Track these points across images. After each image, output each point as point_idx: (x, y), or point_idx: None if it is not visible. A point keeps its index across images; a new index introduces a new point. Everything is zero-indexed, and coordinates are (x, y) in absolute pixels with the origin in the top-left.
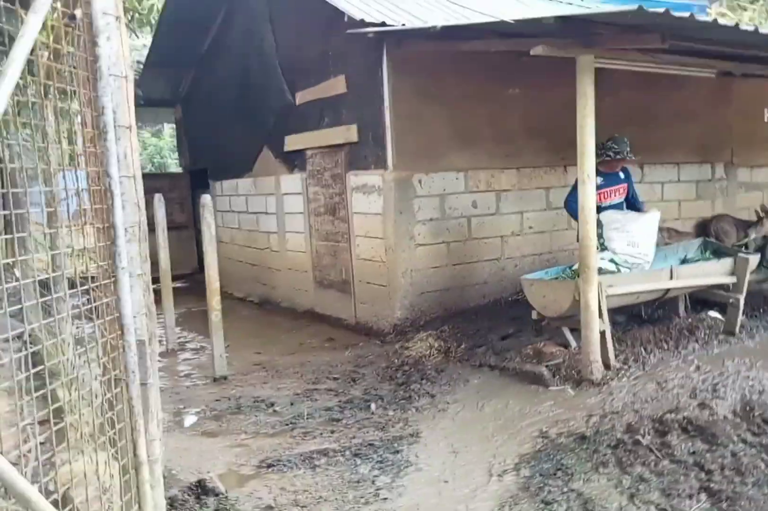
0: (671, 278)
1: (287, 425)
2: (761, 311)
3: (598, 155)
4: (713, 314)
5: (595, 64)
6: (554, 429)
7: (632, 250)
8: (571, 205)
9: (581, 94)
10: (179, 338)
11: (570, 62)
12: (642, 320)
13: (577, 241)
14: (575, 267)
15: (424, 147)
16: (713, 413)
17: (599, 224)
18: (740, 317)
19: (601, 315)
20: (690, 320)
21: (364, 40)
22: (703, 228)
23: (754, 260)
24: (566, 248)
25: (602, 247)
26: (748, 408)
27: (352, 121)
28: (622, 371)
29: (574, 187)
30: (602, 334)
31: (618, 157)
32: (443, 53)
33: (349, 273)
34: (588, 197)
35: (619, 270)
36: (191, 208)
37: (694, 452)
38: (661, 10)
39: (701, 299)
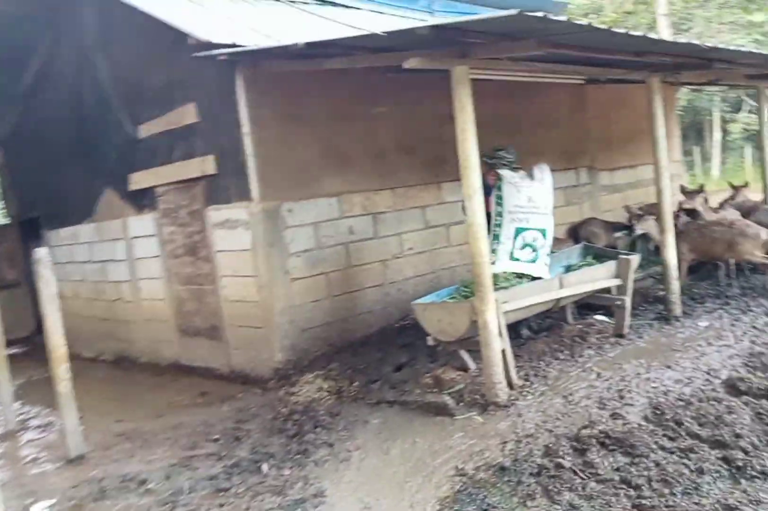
0: (561, 286)
1: (165, 504)
2: (643, 309)
3: (491, 165)
4: (600, 317)
5: (470, 75)
6: (470, 464)
7: (530, 204)
8: None
9: (459, 107)
10: (20, 415)
11: (436, 76)
12: (533, 331)
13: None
14: (466, 286)
15: (293, 173)
16: (626, 422)
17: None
18: (628, 319)
19: (500, 333)
20: (579, 326)
21: (214, 63)
22: (574, 233)
23: (635, 260)
24: (447, 267)
25: (495, 237)
26: (658, 412)
27: (208, 151)
28: (526, 389)
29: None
30: (502, 353)
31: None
32: (306, 73)
33: (218, 317)
34: (476, 213)
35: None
36: (23, 263)
37: (618, 468)
38: (540, 14)
39: (585, 304)
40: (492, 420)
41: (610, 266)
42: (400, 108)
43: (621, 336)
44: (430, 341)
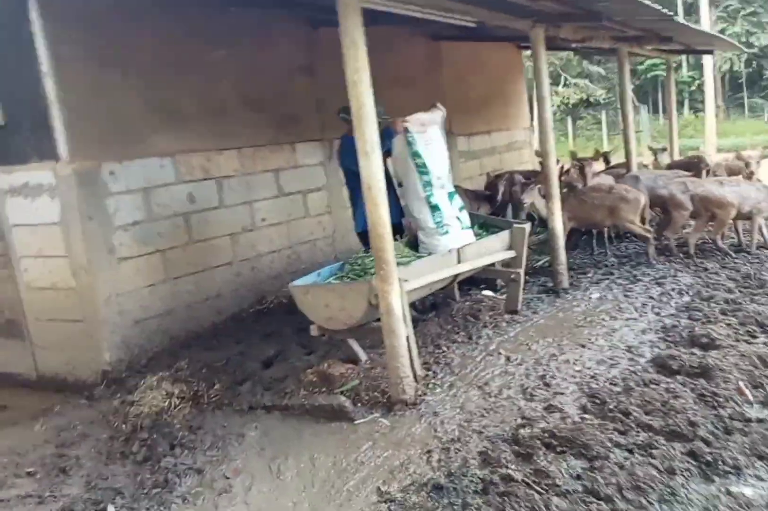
0: (459, 260)
1: None
2: (526, 281)
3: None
4: (488, 292)
5: (361, 4)
6: (394, 484)
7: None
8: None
9: (349, 43)
10: None
11: (287, 17)
12: (419, 311)
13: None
14: (356, 262)
15: (114, 127)
16: (565, 415)
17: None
18: (521, 294)
19: (404, 318)
20: (468, 303)
21: None
22: None
23: (528, 229)
24: (307, 240)
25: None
26: (597, 401)
27: None
28: (431, 381)
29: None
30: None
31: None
32: (128, 3)
33: (17, 310)
34: (373, 173)
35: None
36: None
37: (578, 476)
38: None
39: (466, 279)
40: (403, 423)
41: (504, 236)
42: (244, 55)
43: (515, 312)
44: (313, 331)
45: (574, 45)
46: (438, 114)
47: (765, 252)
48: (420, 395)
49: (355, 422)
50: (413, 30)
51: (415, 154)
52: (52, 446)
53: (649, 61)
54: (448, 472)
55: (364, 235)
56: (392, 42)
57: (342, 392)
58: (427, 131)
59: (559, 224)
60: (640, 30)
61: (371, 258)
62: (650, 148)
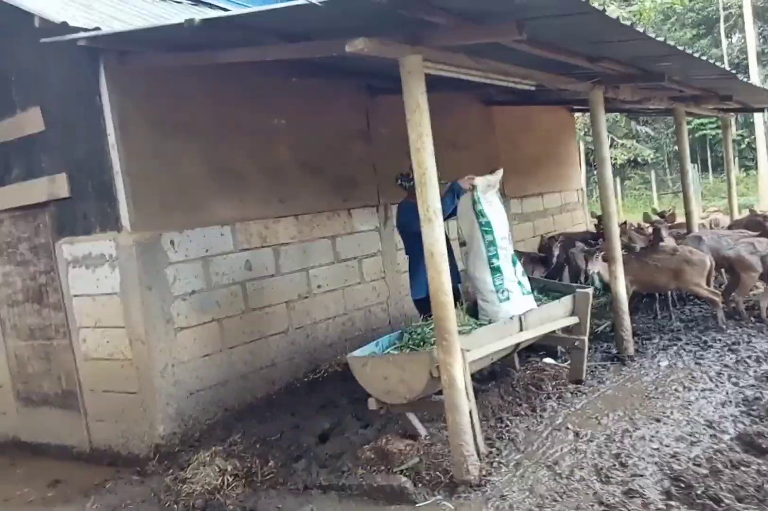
0: (521, 328)
1: None
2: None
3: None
4: (549, 360)
5: (425, 69)
6: None
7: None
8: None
9: (413, 106)
10: None
11: (346, 84)
12: (478, 381)
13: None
14: (415, 331)
15: (174, 196)
16: (647, 500)
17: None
18: (586, 362)
19: (467, 391)
20: (528, 371)
21: (70, 53)
22: None
23: (591, 294)
24: (361, 306)
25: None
26: (682, 485)
27: (59, 168)
28: (497, 458)
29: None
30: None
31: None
32: (189, 70)
33: (74, 380)
34: (437, 239)
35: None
36: None
37: None
38: None
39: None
40: (468, 507)
41: (567, 301)
42: (303, 120)
43: (579, 382)
44: (372, 405)
45: (628, 106)
46: (498, 177)
47: None
48: (485, 476)
49: (417, 505)
50: (467, 95)
51: (480, 213)
52: None
53: (696, 121)
54: None
55: (421, 303)
56: (447, 107)
57: (402, 471)
58: (488, 192)
59: (622, 288)
60: (699, 89)
61: (431, 327)
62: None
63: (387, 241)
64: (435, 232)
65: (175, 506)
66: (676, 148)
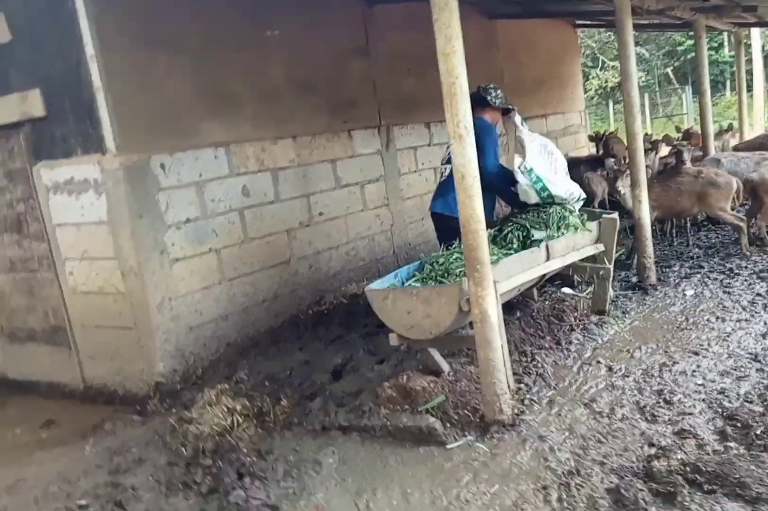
0: (548, 257)
1: None
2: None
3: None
4: (567, 290)
5: None
6: None
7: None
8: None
9: (441, 4)
10: None
11: None
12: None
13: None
14: (437, 262)
15: (163, 116)
16: (702, 442)
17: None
18: (611, 291)
19: (499, 327)
20: (548, 302)
21: None
22: None
23: (618, 220)
24: (364, 235)
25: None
26: (739, 425)
27: (31, 85)
28: (528, 395)
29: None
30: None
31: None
32: None
33: (62, 315)
34: (469, 161)
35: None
36: None
37: None
38: None
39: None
40: (504, 449)
41: (593, 228)
42: (297, 35)
43: (603, 313)
44: (393, 341)
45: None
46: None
47: None
48: (518, 414)
49: (448, 446)
50: (469, 7)
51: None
52: (104, 472)
53: (689, 42)
54: None
55: (443, 220)
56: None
57: (427, 411)
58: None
59: (645, 214)
60: None
61: (454, 256)
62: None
63: (390, 165)
64: (467, 151)
65: (183, 449)
66: (668, 70)
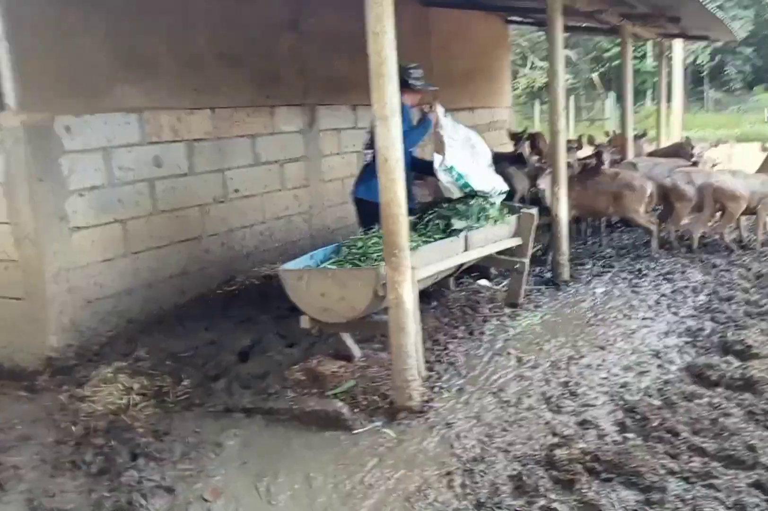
0: (466, 248)
1: None
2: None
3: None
4: (483, 282)
5: None
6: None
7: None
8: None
9: None
10: None
11: None
12: None
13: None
14: (355, 245)
15: (72, 75)
16: (603, 432)
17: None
18: (525, 285)
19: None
20: (463, 293)
21: None
22: None
23: (536, 215)
24: (281, 215)
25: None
26: (638, 417)
27: None
28: (438, 383)
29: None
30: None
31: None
32: None
33: None
34: (393, 143)
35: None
36: None
37: None
38: None
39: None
40: (411, 435)
41: (511, 222)
42: (226, 3)
43: (515, 305)
44: (305, 323)
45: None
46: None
47: None
48: (426, 401)
49: (354, 431)
50: None
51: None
52: None
53: (615, 49)
54: (476, 502)
55: (365, 206)
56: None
57: (336, 395)
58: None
59: (564, 212)
60: (650, 7)
61: (373, 240)
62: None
63: (312, 146)
64: (391, 133)
65: (73, 427)
66: (594, 75)
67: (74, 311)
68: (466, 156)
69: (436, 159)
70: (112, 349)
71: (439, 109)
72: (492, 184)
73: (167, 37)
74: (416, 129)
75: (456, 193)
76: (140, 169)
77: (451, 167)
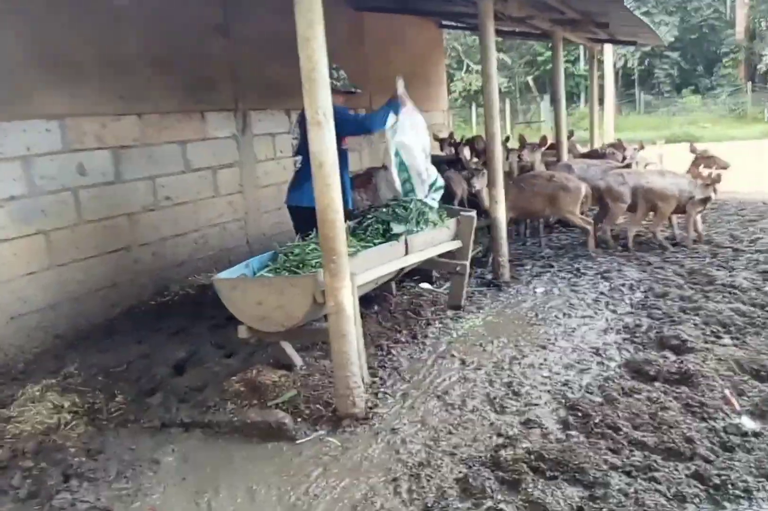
0: (407, 251)
1: None
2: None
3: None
4: (425, 286)
5: None
6: None
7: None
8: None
9: None
10: None
11: None
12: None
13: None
14: (292, 252)
15: None
16: (546, 431)
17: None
18: (466, 287)
19: (355, 319)
20: (406, 297)
21: None
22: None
23: (475, 218)
24: (215, 223)
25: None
26: (580, 414)
27: None
28: (381, 389)
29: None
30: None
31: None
32: None
33: None
34: (327, 148)
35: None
36: None
37: (579, 508)
38: None
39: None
40: (356, 442)
41: (450, 225)
42: (154, 7)
43: (458, 308)
44: (242, 333)
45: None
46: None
47: (702, 246)
48: (371, 408)
49: (297, 441)
50: None
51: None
52: None
53: (548, 53)
54: (423, 506)
55: (300, 212)
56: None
57: (277, 405)
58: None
59: (501, 213)
60: (579, 13)
61: (310, 247)
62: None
63: (246, 151)
64: (325, 138)
65: None
66: (529, 78)
67: None
68: (412, 135)
69: (390, 120)
70: (39, 366)
71: (400, 83)
72: (429, 170)
73: (92, 40)
74: (382, 108)
75: (392, 164)
76: (63, 178)
77: (394, 127)
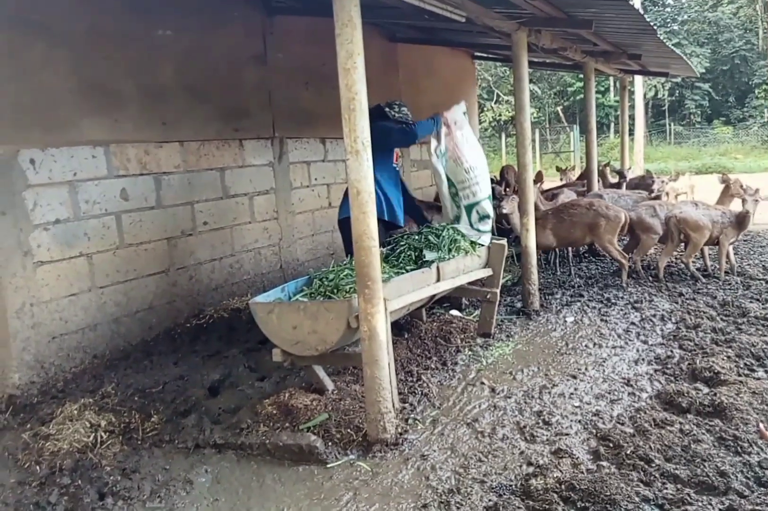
0: (438, 279)
1: None
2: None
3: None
4: (455, 313)
5: None
6: None
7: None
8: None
9: (344, 20)
10: None
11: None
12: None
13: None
14: (326, 277)
15: (36, 107)
16: (577, 461)
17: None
18: (496, 315)
19: (388, 345)
20: (436, 324)
21: None
22: None
23: (506, 246)
24: (250, 248)
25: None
26: (611, 445)
27: None
28: (412, 415)
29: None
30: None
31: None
32: None
33: None
34: (364, 176)
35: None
36: None
37: None
38: None
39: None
40: (386, 468)
41: (482, 253)
42: (192, 37)
43: (488, 335)
44: (277, 356)
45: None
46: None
47: (734, 278)
48: (401, 433)
49: (328, 465)
50: (371, 29)
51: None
52: None
53: (578, 83)
54: None
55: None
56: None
57: (309, 429)
58: (464, 128)
59: (532, 242)
60: (611, 45)
61: (345, 272)
62: (612, 170)
63: (281, 178)
64: (363, 167)
65: (37, 467)
66: (558, 108)
67: (38, 348)
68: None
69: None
70: (77, 385)
71: (456, 107)
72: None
73: (134, 70)
74: (423, 122)
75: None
76: (107, 203)
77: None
